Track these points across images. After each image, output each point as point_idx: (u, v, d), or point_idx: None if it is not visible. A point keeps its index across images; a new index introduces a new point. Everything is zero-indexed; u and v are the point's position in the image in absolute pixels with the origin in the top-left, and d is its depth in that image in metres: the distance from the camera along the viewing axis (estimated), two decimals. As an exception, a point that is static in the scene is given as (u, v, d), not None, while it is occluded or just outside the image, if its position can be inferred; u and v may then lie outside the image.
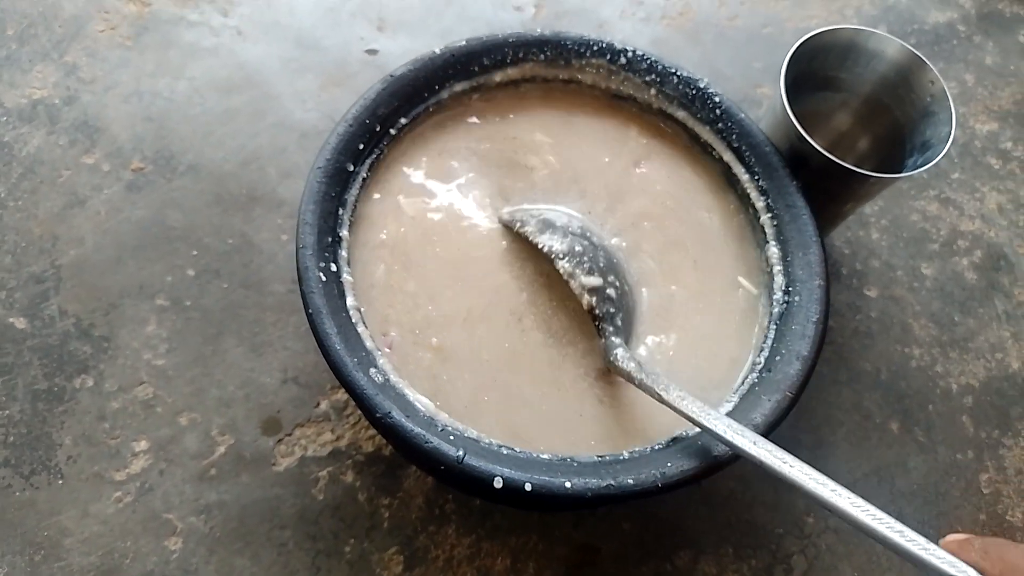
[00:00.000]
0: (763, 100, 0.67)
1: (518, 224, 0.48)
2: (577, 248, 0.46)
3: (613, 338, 0.45)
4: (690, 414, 0.39)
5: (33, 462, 0.47)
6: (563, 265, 0.46)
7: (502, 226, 0.49)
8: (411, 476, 0.48)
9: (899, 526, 0.33)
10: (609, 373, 0.45)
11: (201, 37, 0.64)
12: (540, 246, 0.46)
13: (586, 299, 0.45)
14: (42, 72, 0.60)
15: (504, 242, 0.49)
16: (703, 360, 0.47)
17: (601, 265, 0.46)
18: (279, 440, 0.49)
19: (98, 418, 0.48)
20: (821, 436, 0.54)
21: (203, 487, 0.47)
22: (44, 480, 0.46)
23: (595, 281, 0.45)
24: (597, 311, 0.45)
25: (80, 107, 0.59)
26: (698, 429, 0.42)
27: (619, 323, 0.45)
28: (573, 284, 0.45)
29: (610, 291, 0.46)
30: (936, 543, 0.32)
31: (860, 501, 0.34)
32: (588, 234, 0.48)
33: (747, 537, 0.49)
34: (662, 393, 0.40)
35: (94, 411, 0.48)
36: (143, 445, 0.48)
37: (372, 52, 0.65)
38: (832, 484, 0.35)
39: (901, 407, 0.55)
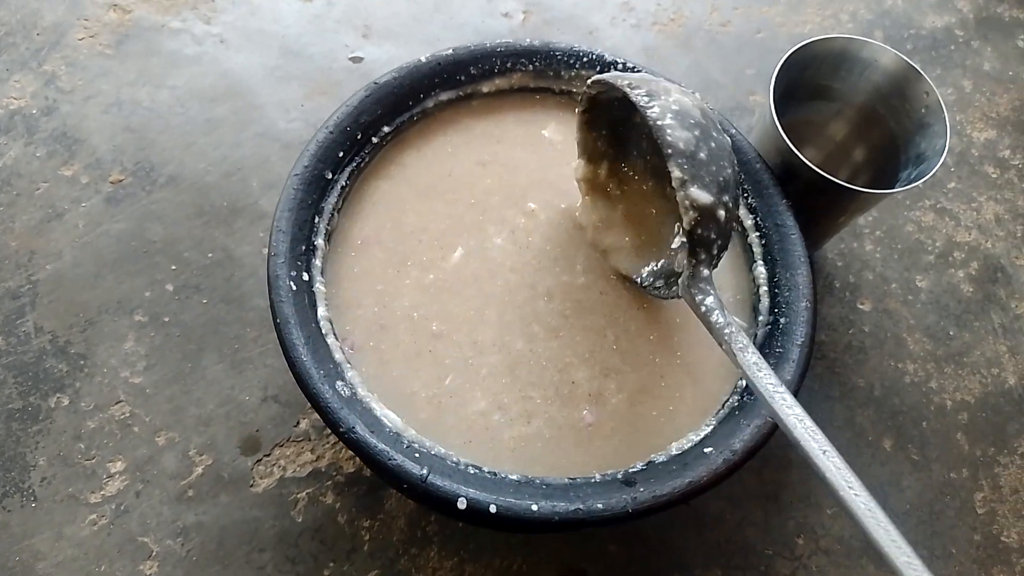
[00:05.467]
0: (756, 108, 0.66)
1: (625, 84, 0.40)
2: (702, 155, 0.38)
3: (704, 269, 0.39)
4: (759, 387, 0.36)
5: (6, 484, 0.46)
6: (679, 170, 0.37)
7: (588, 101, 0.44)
8: (393, 497, 0.47)
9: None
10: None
11: (183, 45, 0.63)
12: (653, 123, 0.38)
13: (690, 215, 0.38)
14: (20, 81, 0.59)
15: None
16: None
17: (720, 180, 0.38)
18: (258, 460, 0.48)
19: (74, 438, 0.47)
20: (813, 454, 0.52)
21: (180, 508, 0.46)
22: (17, 502, 0.45)
23: (707, 199, 0.38)
24: (700, 232, 0.38)
25: (59, 117, 0.58)
26: (673, 453, 0.41)
27: (715, 252, 0.40)
28: (680, 195, 0.38)
29: (720, 212, 0.38)
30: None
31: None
32: (715, 130, 0.40)
33: (736, 558, 0.48)
34: (737, 354, 0.36)
35: (70, 431, 0.47)
36: (119, 466, 0.47)
37: (357, 60, 0.64)
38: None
39: (895, 424, 0.54)
